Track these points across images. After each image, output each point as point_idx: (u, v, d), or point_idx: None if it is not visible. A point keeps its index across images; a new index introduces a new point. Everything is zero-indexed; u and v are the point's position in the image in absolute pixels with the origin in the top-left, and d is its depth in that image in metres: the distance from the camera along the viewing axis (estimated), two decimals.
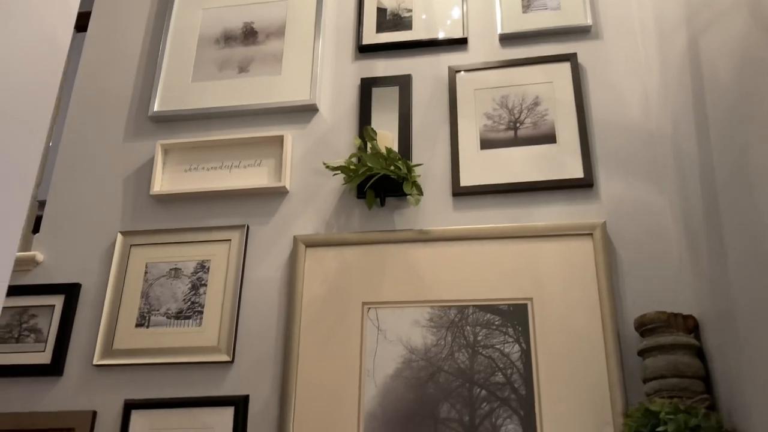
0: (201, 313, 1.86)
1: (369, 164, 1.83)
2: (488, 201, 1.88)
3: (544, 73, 2.00)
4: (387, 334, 1.76)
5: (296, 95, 2.10)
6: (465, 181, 1.90)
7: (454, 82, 2.04)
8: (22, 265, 1.97)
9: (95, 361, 1.84)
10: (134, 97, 2.23)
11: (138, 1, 2.39)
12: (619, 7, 2.07)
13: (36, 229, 2.16)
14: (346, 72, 2.15)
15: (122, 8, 2.39)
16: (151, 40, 2.31)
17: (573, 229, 1.78)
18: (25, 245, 2.17)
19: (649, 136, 1.88)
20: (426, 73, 2.09)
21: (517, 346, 1.69)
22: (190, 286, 1.91)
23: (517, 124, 1.95)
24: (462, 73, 2.05)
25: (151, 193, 2.03)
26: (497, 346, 1.70)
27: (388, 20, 2.19)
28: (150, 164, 2.10)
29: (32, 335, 1.90)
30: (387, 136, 1.93)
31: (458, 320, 1.74)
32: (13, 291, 1.87)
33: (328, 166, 1.92)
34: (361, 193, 1.92)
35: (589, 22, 2.04)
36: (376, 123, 2.01)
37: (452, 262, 1.80)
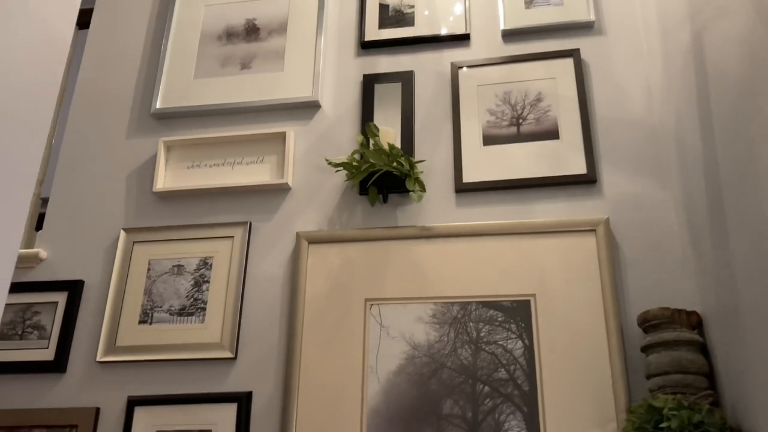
0: (204, 309, 1.86)
1: (371, 161, 1.83)
2: (491, 197, 1.87)
3: (547, 69, 2.00)
4: (390, 330, 1.76)
5: (298, 92, 2.10)
6: (468, 177, 1.90)
7: (457, 78, 2.03)
8: (25, 262, 1.98)
9: (98, 358, 1.85)
10: (136, 94, 2.23)
11: None
12: (622, 2, 2.07)
13: (39, 226, 2.17)
14: (348, 68, 2.14)
15: (124, 5, 2.39)
16: (153, 36, 2.31)
17: (576, 225, 1.78)
18: (29, 242, 2.18)
19: (652, 131, 1.87)
20: (428, 69, 2.09)
21: (520, 342, 1.69)
22: (192, 282, 1.91)
23: (520, 120, 1.95)
24: (464, 69, 2.05)
25: (153, 190, 2.03)
26: (500, 343, 1.70)
27: (390, 16, 2.19)
28: (152, 161, 2.10)
29: (35, 332, 1.91)
30: (389, 133, 1.92)
31: (461, 316, 1.74)
32: (17, 288, 1.89)
33: (330, 163, 1.92)
34: (363, 189, 1.92)
35: (592, 17, 2.04)
36: (378, 119, 2.01)
37: (455, 259, 1.80)
